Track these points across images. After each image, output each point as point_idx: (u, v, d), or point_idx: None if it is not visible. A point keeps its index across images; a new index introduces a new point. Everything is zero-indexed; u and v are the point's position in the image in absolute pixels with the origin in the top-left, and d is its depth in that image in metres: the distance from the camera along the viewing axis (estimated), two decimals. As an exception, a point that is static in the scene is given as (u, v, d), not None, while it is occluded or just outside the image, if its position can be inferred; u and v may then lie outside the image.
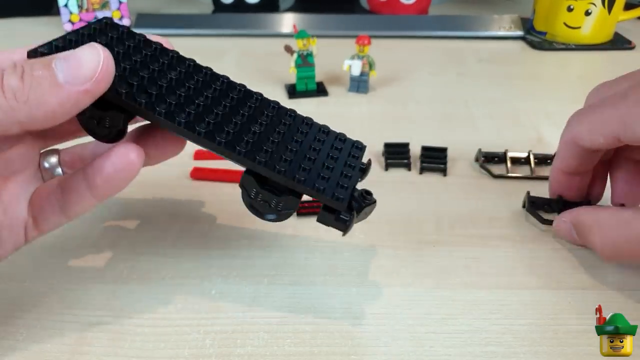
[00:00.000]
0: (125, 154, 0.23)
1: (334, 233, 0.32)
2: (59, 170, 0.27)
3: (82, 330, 0.26)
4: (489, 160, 0.39)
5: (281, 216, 0.25)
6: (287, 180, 0.23)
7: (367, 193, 0.25)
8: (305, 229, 0.33)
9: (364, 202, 0.25)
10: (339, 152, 0.27)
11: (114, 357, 0.25)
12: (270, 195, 0.24)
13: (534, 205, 0.33)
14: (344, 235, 0.25)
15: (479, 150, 0.39)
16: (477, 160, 0.40)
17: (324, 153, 0.26)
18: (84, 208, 0.24)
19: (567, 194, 0.32)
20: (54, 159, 0.27)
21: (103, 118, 0.23)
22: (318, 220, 0.25)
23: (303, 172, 0.24)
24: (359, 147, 0.28)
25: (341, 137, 0.28)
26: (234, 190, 0.36)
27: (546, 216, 0.33)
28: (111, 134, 0.24)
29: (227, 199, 0.35)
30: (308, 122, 0.28)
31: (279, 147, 0.25)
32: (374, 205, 0.26)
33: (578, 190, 0.32)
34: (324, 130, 0.28)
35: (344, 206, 0.24)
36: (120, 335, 0.26)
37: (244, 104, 0.26)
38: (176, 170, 0.38)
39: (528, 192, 0.34)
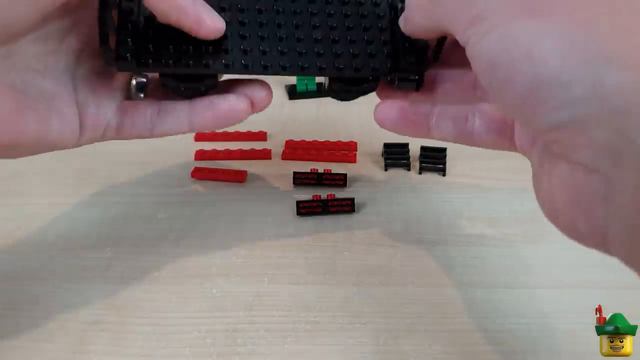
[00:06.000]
0: (241, 99, 0.26)
1: (333, 233, 0.32)
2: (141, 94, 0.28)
3: (84, 329, 0.26)
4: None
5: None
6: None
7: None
8: (305, 229, 0.33)
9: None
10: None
11: (115, 356, 0.25)
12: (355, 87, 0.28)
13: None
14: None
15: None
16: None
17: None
18: (172, 132, 0.27)
19: None
20: (142, 80, 0.28)
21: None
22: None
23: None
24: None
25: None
26: (235, 190, 0.36)
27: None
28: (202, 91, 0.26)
29: (227, 199, 0.35)
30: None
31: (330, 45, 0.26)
32: None
33: None
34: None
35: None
36: (122, 334, 0.26)
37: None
38: (177, 170, 0.38)
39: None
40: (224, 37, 0.25)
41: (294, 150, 0.40)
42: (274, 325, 0.26)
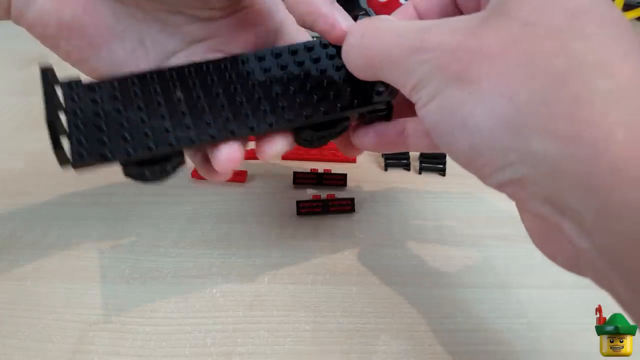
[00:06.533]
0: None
1: (333, 233, 0.32)
2: None
3: (84, 329, 0.26)
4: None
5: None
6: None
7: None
8: (305, 229, 0.33)
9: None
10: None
11: (115, 355, 0.25)
12: (327, 132, 0.25)
13: None
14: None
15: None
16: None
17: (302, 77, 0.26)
18: None
19: None
20: None
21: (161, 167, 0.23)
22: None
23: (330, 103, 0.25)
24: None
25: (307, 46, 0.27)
26: (235, 190, 0.36)
27: None
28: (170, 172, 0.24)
29: (227, 199, 0.35)
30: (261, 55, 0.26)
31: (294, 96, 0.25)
32: None
33: None
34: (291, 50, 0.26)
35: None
36: (122, 334, 0.26)
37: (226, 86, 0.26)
38: (177, 171, 0.38)
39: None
40: (182, 112, 0.24)
41: (294, 150, 0.40)
42: (274, 325, 0.26)
